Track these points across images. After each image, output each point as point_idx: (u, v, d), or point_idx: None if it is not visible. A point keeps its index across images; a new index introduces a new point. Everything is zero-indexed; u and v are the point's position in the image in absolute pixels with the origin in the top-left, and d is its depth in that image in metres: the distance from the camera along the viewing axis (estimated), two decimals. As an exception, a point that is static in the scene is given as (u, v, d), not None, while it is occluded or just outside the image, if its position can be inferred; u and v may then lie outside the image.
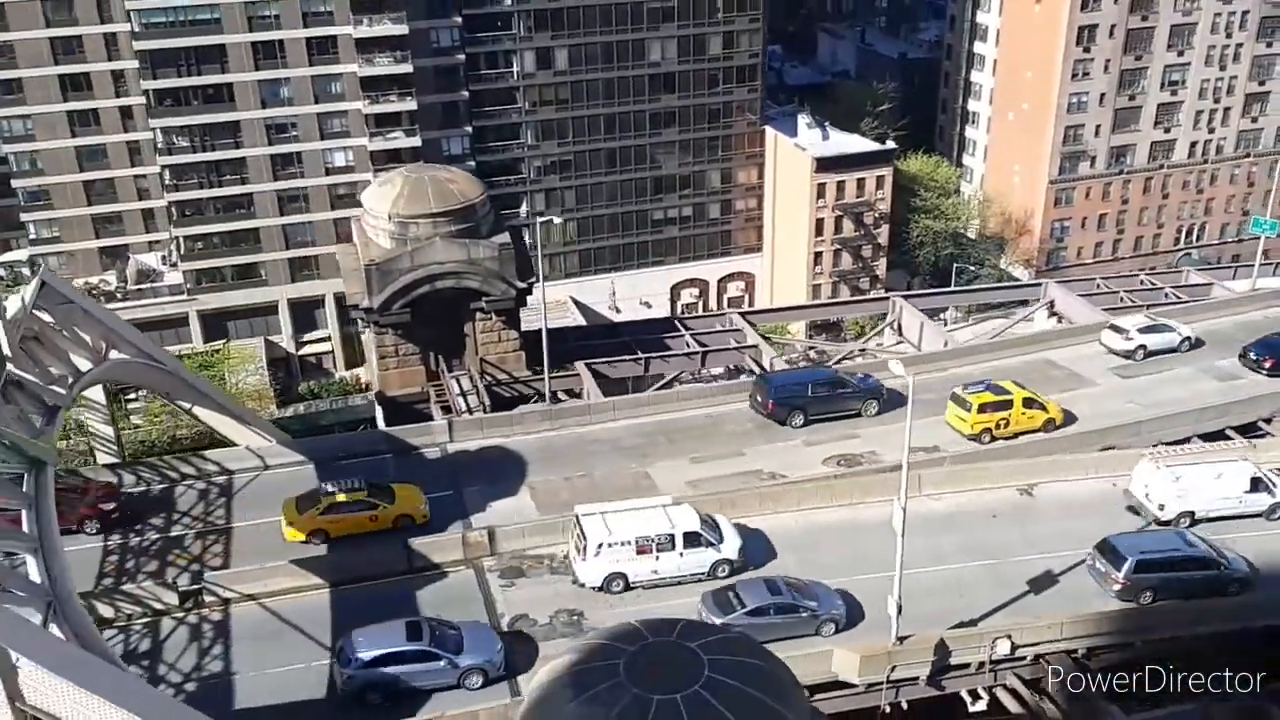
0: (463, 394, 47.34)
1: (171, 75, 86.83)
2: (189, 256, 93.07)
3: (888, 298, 59.73)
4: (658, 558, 35.14)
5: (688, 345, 54.12)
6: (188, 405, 41.81)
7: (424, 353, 48.84)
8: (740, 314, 57.10)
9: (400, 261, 46.57)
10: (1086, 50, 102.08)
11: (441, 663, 30.97)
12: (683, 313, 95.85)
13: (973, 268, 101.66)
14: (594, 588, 35.36)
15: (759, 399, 45.99)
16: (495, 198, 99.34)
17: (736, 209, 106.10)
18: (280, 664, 32.85)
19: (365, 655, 30.72)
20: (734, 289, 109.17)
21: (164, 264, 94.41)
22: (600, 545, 34.91)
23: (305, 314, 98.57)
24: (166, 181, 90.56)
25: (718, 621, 32.03)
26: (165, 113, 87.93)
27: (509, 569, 37.10)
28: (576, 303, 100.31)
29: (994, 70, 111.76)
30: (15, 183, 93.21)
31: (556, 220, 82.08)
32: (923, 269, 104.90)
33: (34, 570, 27.87)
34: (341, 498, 37.91)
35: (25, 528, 28.75)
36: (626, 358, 52.03)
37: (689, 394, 47.22)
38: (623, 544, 34.63)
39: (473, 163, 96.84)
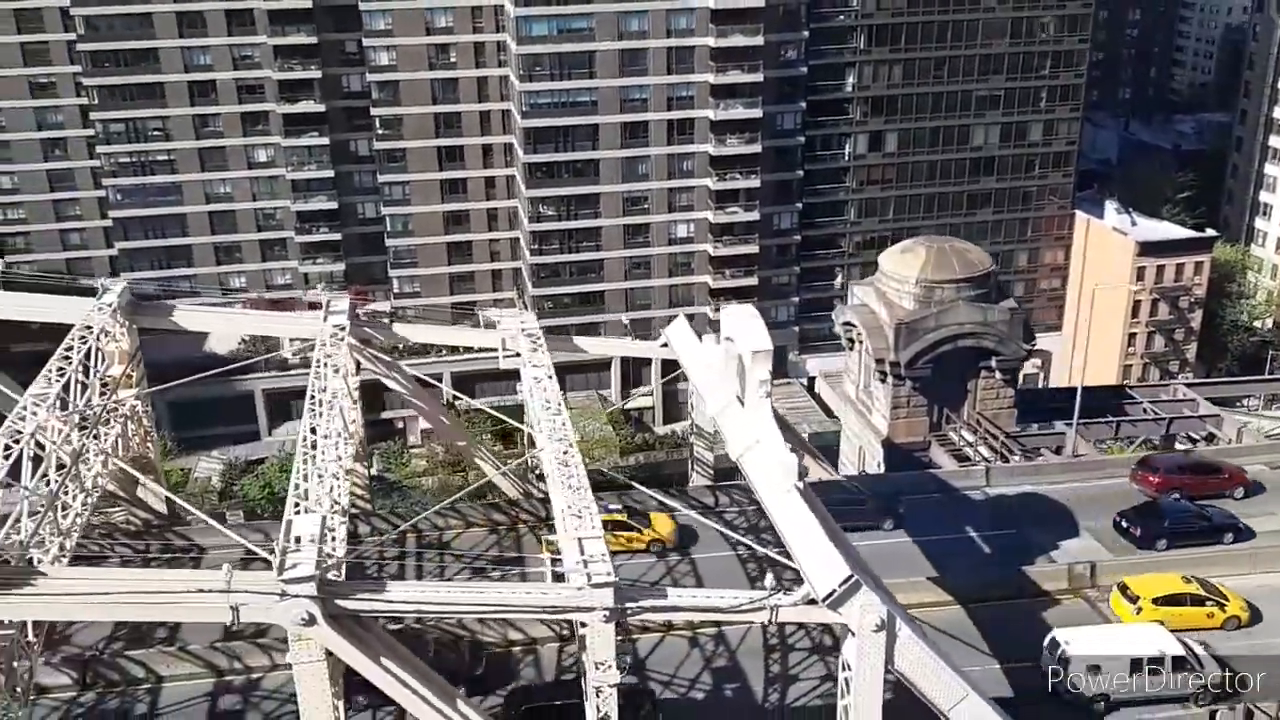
0: (971, 444, 51.92)
1: (549, 150, 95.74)
2: (542, 315, 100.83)
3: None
4: None
5: (1144, 412, 57.69)
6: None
7: (930, 405, 53.72)
8: (1185, 384, 60.48)
9: (926, 322, 51.81)
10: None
11: None
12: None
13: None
14: None
15: None
16: (814, 270, 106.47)
17: (1040, 288, 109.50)
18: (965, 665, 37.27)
19: None
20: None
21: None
22: None
23: (635, 372, 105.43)
24: (531, 246, 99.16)
25: None
26: (538, 184, 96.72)
27: (1116, 601, 40.97)
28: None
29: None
30: (389, 242, 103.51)
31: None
32: (1230, 356, 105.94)
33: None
34: None
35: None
36: (1099, 420, 55.87)
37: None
38: None
39: (798, 237, 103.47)
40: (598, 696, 28.96)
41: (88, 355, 36.34)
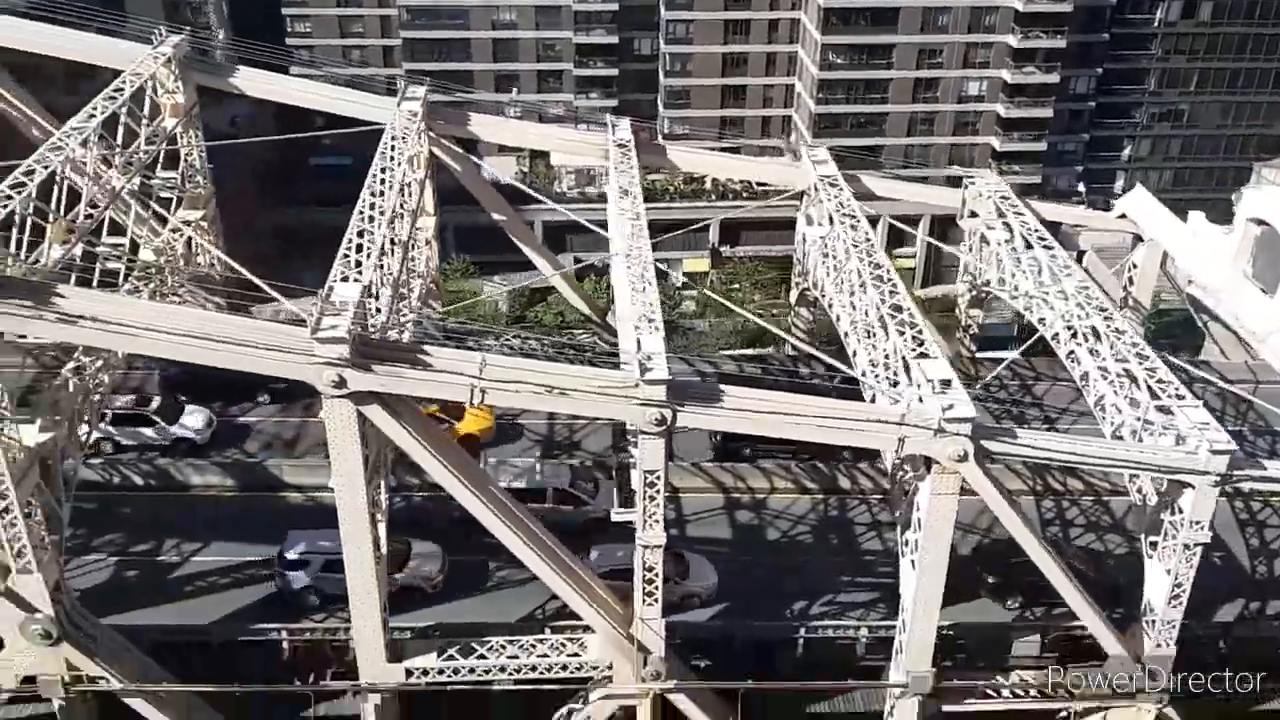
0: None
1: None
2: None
3: None
4: None
5: None
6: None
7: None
8: None
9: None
10: None
11: None
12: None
13: None
14: None
15: None
16: (1099, 140, 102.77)
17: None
18: None
19: None
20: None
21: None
22: None
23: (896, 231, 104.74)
24: (815, 95, 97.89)
25: None
26: (833, 30, 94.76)
27: None
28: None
29: None
30: (665, 80, 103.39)
31: None
32: None
33: None
34: None
35: None
36: None
37: None
38: None
39: (1093, 103, 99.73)
40: (1185, 552, 30.60)
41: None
